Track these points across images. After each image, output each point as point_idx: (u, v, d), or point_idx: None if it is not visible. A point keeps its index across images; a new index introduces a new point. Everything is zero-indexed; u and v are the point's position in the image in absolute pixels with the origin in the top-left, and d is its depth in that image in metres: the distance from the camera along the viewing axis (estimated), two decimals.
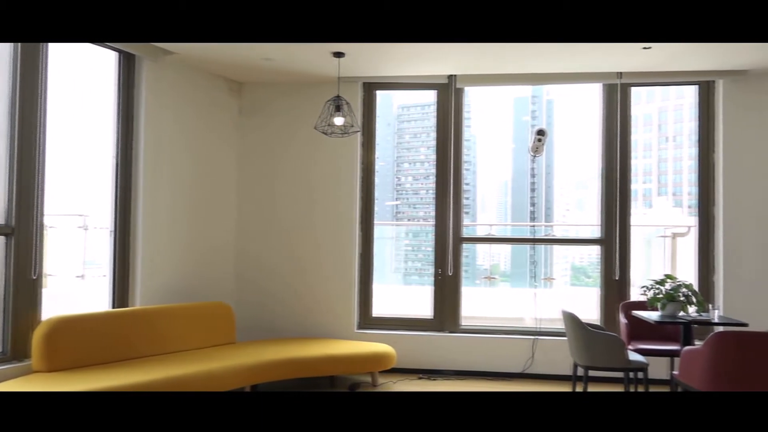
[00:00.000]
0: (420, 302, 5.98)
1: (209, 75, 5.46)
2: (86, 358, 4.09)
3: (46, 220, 4.17)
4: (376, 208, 5.88)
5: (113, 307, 4.72)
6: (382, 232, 7.54)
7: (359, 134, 5.65)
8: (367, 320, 5.74)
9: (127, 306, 4.76)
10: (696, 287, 5.27)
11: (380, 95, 5.90)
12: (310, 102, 5.48)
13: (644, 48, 4.60)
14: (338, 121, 4.68)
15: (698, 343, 3.91)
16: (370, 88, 5.75)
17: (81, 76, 4.95)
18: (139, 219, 4.78)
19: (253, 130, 5.79)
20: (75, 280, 5.40)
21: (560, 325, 4.59)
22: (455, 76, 5.49)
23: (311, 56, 4.90)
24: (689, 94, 5.70)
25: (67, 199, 5.15)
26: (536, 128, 5.61)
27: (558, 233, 6.41)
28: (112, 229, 4.75)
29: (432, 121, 5.84)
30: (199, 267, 5.37)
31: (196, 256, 5.34)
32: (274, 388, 4.64)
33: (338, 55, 4.82)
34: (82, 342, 4.11)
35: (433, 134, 5.80)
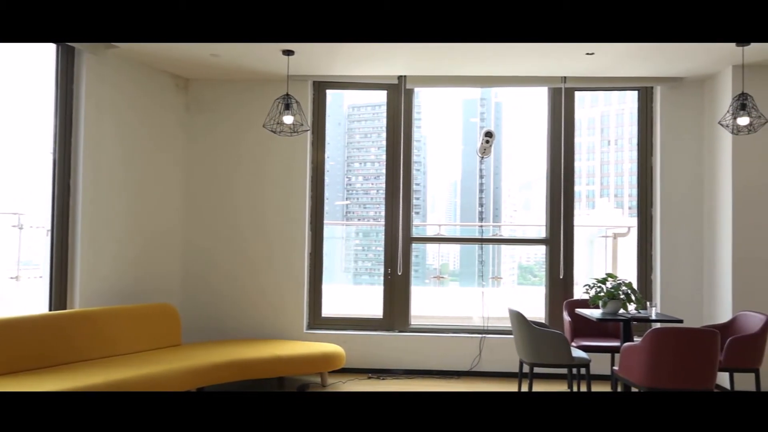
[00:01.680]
0: (370, 302, 5.99)
1: (154, 70, 5.31)
2: (22, 362, 3.91)
3: None
4: (326, 208, 5.85)
5: (51, 309, 4.53)
6: (332, 231, 7.52)
7: (309, 133, 5.61)
8: (317, 320, 5.70)
9: (66, 308, 4.57)
10: (636, 285, 5.46)
11: (331, 94, 5.87)
12: (260, 100, 5.40)
13: (587, 54, 4.74)
14: (287, 119, 4.64)
15: (637, 340, 4.06)
16: (321, 87, 5.72)
17: (17, 68, 4.74)
18: (78, 217, 4.60)
19: (201, 128, 5.67)
20: (9, 282, 5.15)
21: (507, 324, 4.68)
22: (405, 76, 5.52)
23: (260, 53, 4.84)
24: (630, 99, 5.91)
25: (0, 196, 4.92)
26: (484, 130, 5.70)
27: (505, 233, 6.54)
28: (50, 228, 4.56)
29: (383, 122, 5.85)
30: (143, 266, 5.22)
31: (141, 256, 5.19)
32: (219, 391, 4.55)
33: (288, 53, 4.77)
34: (18, 346, 3.92)
35: (384, 134, 5.82)
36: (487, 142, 5.66)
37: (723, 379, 4.79)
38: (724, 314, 4.96)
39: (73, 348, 4.22)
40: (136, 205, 5.16)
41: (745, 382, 4.49)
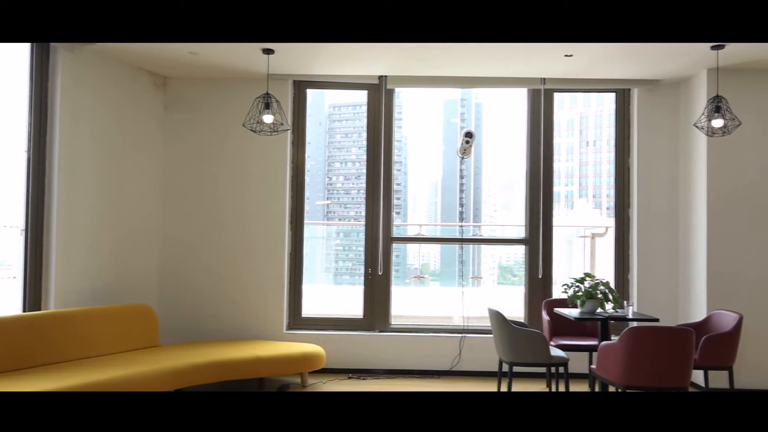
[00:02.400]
0: (351, 302, 5.98)
1: (131, 67, 5.24)
2: None
3: None
4: (306, 208, 5.83)
5: (25, 310, 4.45)
6: (313, 231, 7.50)
7: (289, 133, 5.58)
8: (297, 320, 5.68)
9: (40, 309, 4.49)
10: (613, 285, 5.54)
11: (311, 94, 5.85)
12: (239, 99, 5.36)
13: (566, 55, 4.78)
14: (267, 119, 4.61)
15: (614, 338, 4.11)
16: (301, 86, 5.69)
17: None
18: (53, 217, 4.53)
19: (179, 126, 5.61)
20: None
21: (487, 323, 4.71)
22: (386, 77, 5.52)
23: (240, 52, 4.80)
24: (608, 101, 5.98)
25: None
26: (464, 130, 5.72)
27: (486, 233, 6.58)
28: (24, 227, 4.47)
29: (363, 121, 5.85)
30: (120, 267, 5.15)
31: (117, 256, 5.12)
32: (198, 391, 4.51)
33: (268, 51, 4.74)
34: None
35: (365, 134, 5.81)
36: (467, 142, 5.69)
37: (698, 376, 4.87)
38: (698, 313, 5.05)
39: (47, 350, 4.15)
40: (113, 204, 5.09)
41: (719, 380, 4.57)
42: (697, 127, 4.57)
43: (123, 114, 5.18)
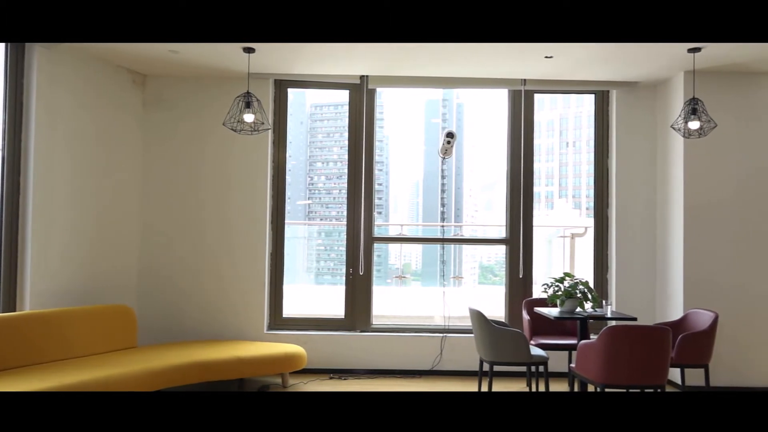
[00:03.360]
0: (332, 302, 5.96)
1: (110, 65, 5.17)
2: None
3: None
4: (287, 207, 5.80)
5: (1, 311, 4.36)
6: (294, 231, 7.47)
7: (270, 132, 5.55)
8: (278, 321, 5.65)
9: (15, 310, 4.41)
10: (592, 284, 5.60)
11: (292, 93, 5.83)
12: (220, 97, 5.32)
13: (546, 57, 4.82)
14: (248, 118, 4.58)
15: (593, 337, 4.15)
16: (282, 85, 5.67)
17: None
18: (29, 217, 4.45)
19: (158, 125, 5.55)
20: None
21: (468, 323, 4.73)
22: (367, 76, 5.52)
23: (220, 50, 4.76)
24: (588, 102, 6.05)
25: None
26: (446, 131, 5.74)
27: (467, 233, 6.60)
28: None
29: (345, 121, 5.84)
30: (98, 267, 5.07)
31: (95, 256, 5.05)
32: (178, 391, 4.46)
33: (249, 50, 4.71)
34: None
35: (346, 134, 5.80)
36: (449, 142, 5.70)
37: (675, 374, 4.94)
38: (675, 312, 5.12)
39: (23, 351, 4.08)
40: (91, 204, 5.01)
41: (695, 378, 4.65)
42: (674, 128, 4.64)
43: (101, 112, 5.11)
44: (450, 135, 5.70)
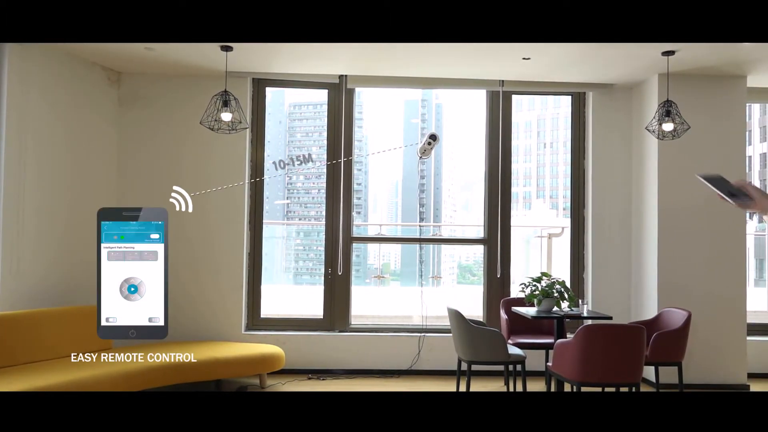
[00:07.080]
0: (310, 302, 5.94)
1: (84, 62, 5.08)
2: None
3: None
4: (266, 207, 5.77)
5: None
6: (272, 231, 7.43)
7: (248, 131, 5.51)
8: (256, 321, 5.61)
9: None
10: (569, 284, 5.65)
11: (271, 92, 5.79)
12: (197, 96, 5.25)
13: (524, 58, 4.86)
14: (225, 117, 4.54)
15: (570, 336, 4.20)
16: (260, 84, 5.63)
17: None
18: None
19: (134, 123, 5.46)
20: None
21: (447, 322, 4.74)
22: (346, 76, 5.51)
23: (197, 48, 4.71)
24: (565, 104, 6.11)
25: None
26: (429, 133, 5.75)
27: (445, 233, 6.63)
28: None
29: (324, 121, 5.82)
30: (70, 267, 4.98)
31: (67, 256, 4.95)
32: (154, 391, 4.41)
33: (226, 48, 4.67)
34: None
35: (325, 133, 5.79)
36: (429, 144, 5.71)
37: (649, 372, 5.02)
38: (649, 311, 5.20)
39: None
40: (63, 203, 4.92)
41: (669, 375, 4.72)
42: (648, 130, 4.72)
43: (74, 110, 5.02)
44: (433, 137, 5.70)
